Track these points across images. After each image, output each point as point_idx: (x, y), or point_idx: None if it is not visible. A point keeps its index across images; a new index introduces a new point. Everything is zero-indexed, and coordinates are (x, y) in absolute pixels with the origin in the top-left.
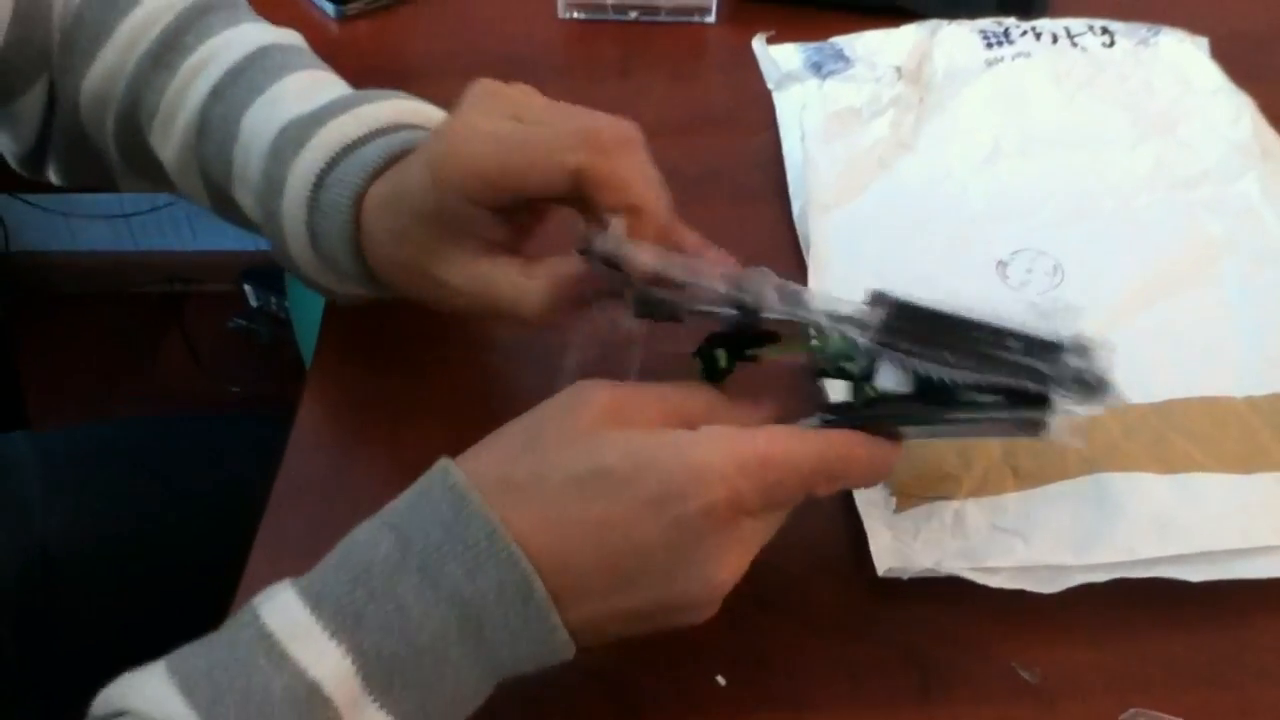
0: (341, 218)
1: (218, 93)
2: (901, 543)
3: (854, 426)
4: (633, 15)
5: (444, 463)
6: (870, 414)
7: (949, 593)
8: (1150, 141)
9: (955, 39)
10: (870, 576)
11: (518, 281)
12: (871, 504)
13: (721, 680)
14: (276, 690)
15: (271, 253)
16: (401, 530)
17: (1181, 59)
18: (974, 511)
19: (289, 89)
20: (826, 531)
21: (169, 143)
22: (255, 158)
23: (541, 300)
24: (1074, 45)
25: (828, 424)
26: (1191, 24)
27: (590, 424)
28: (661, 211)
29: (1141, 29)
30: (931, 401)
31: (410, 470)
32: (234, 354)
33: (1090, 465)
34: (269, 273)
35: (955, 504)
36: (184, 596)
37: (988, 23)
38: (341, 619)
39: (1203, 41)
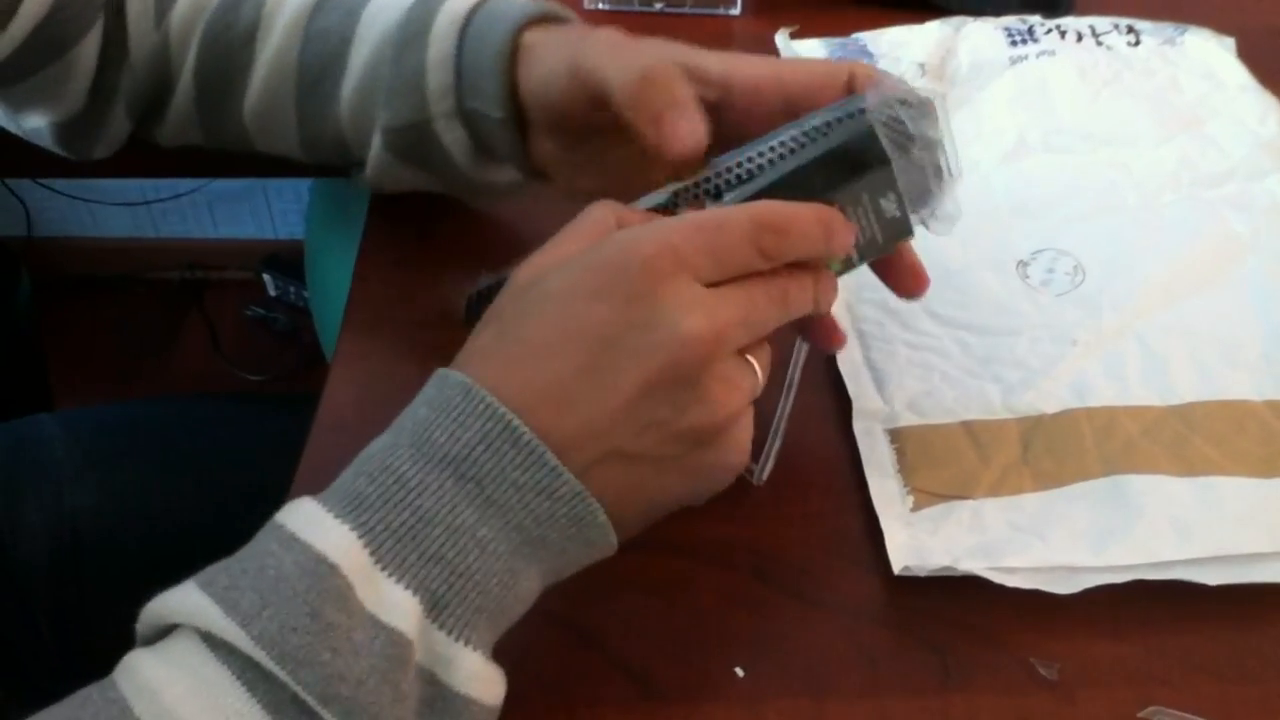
0: (508, 23)
1: None
2: (918, 541)
3: None
4: (658, 7)
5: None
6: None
7: (969, 584)
8: (1176, 139)
9: (980, 36)
10: (891, 567)
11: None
12: (888, 502)
13: (740, 672)
14: (288, 565)
15: (353, 132)
16: (397, 423)
17: (1208, 58)
18: (992, 510)
19: None
20: (848, 524)
21: (274, 28)
22: (396, 7)
23: (662, 66)
24: (1099, 44)
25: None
26: (1218, 23)
27: (526, 279)
28: None
29: (1168, 28)
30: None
31: None
32: (253, 342)
33: (1109, 466)
34: (288, 261)
35: (973, 503)
36: None
37: (1012, 20)
38: (345, 503)
39: (1229, 41)
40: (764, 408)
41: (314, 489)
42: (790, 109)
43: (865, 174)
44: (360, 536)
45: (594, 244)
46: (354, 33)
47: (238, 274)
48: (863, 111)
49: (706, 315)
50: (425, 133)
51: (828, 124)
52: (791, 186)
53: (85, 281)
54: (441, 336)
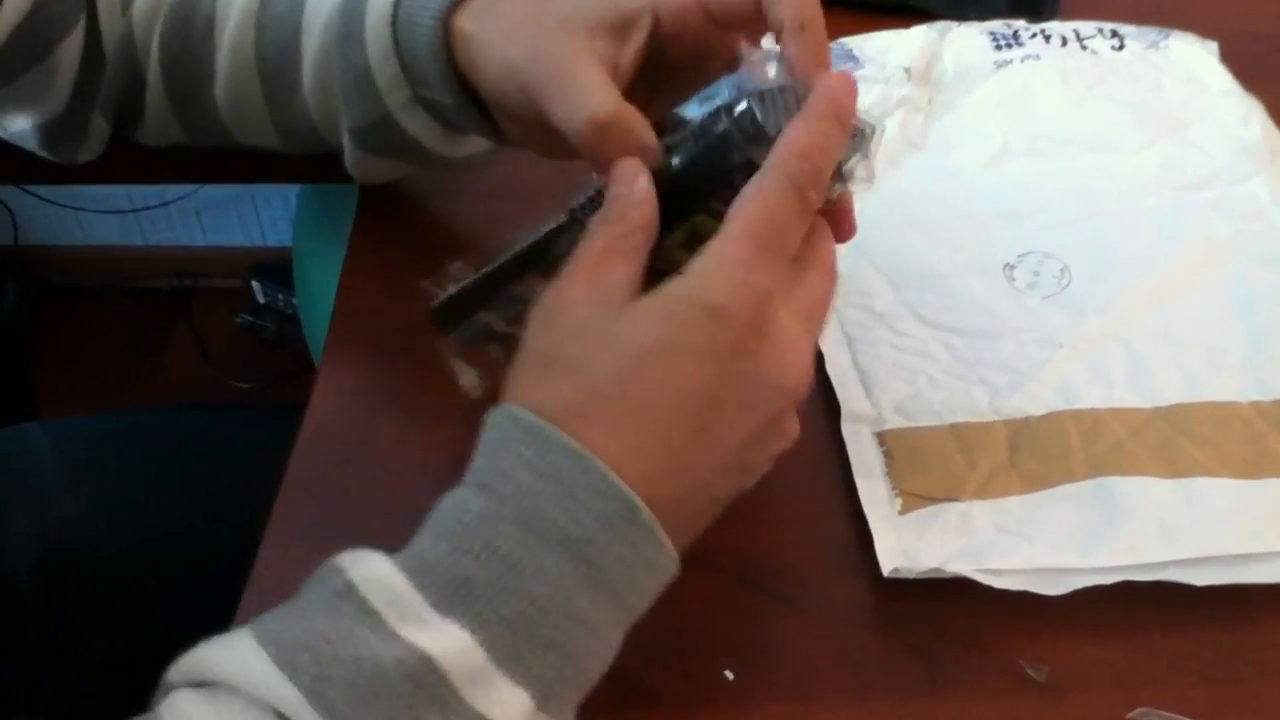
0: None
1: None
2: (906, 544)
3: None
4: None
5: (505, 408)
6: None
7: (956, 588)
8: (1159, 142)
9: (964, 41)
10: (878, 571)
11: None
12: (877, 505)
13: (729, 674)
14: (388, 662)
15: (319, 117)
16: (489, 486)
17: (1191, 62)
18: (979, 513)
19: None
20: (834, 528)
21: (229, 19)
22: None
23: (609, 107)
24: (1083, 48)
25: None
26: (1201, 27)
27: (590, 312)
28: (823, 31)
29: (1151, 32)
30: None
31: (420, 463)
32: (241, 349)
33: (1096, 468)
34: (277, 268)
35: (961, 505)
36: (200, 583)
37: (997, 25)
38: (450, 589)
39: (1212, 45)
40: None
41: (299, 498)
42: (718, 23)
43: (740, 172)
44: (473, 633)
45: (664, 294)
46: (300, 21)
47: (226, 282)
48: (721, 111)
49: (802, 366)
50: (390, 125)
51: (701, 125)
52: (678, 194)
53: (73, 290)
54: (427, 344)
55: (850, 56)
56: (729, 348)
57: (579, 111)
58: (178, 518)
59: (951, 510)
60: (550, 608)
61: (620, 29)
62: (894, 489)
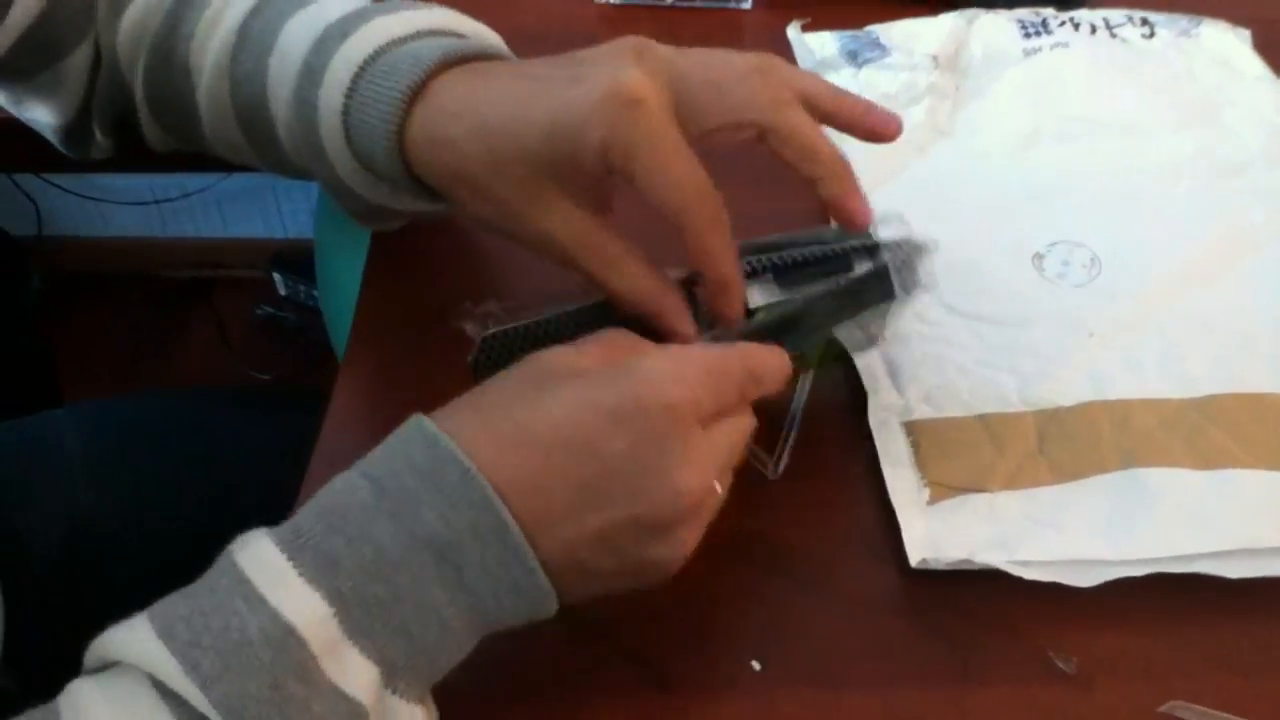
0: (387, 110)
1: (257, 10)
2: (934, 533)
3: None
4: (669, 1)
5: (417, 416)
6: (752, 326)
7: (985, 576)
8: (1191, 128)
9: (992, 28)
10: (906, 558)
11: (626, 259)
12: (905, 494)
13: (757, 665)
14: (253, 631)
15: (305, 170)
16: (376, 478)
17: (1224, 49)
18: (1008, 503)
19: (332, 4)
20: (863, 516)
21: (204, 69)
22: (293, 61)
23: (635, 288)
24: (1113, 36)
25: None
26: (1232, 15)
27: (548, 372)
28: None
29: (1182, 20)
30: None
31: None
32: (262, 340)
33: (1127, 459)
34: (298, 260)
35: (989, 495)
36: None
37: (1025, 12)
38: (319, 565)
39: (1245, 33)
40: (781, 400)
41: (324, 483)
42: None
43: (875, 305)
44: (331, 605)
45: (618, 365)
46: (265, 86)
47: (247, 273)
48: (878, 247)
49: (701, 474)
50: (352, 193)
51: (846, 249)
52: (812, 313)
53: (95, 280)
54: (451, 335)
55: (877, 44)
56: (641, 428)
57: (568, 227)
58: (200, 503)
59: (980, 500)
60: (407, 597)
61: (573, 179)
62: (922, 478)
